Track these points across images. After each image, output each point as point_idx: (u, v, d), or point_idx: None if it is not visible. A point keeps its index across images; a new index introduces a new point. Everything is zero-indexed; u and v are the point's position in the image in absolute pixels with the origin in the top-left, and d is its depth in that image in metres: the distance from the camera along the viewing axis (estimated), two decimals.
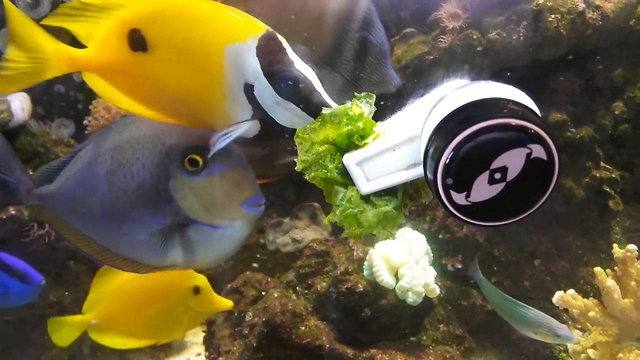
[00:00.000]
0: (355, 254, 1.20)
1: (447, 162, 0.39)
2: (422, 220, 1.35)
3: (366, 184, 0.50)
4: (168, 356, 1.51)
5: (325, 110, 0.53)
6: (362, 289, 1.13)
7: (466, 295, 1.29)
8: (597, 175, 1.28)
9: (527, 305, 1.01)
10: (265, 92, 0.59)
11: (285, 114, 0.59)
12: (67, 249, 1.28)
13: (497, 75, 1.28)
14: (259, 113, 0.61)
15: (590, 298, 1.04)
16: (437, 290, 1.12)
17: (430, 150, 0.41)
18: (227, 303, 0.93)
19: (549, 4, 1.22)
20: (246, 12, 0.61)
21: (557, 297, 1.04)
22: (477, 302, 1.28)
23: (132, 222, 0.68)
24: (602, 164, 1.30)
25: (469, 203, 0.40)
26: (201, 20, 0.60)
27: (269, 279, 1.28)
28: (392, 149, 0.48)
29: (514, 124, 0.38)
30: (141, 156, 0.67)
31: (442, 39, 1.30)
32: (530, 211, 0.41)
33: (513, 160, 0.38)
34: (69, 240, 0.73)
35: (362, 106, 0.52)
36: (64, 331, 0.92)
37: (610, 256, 1.06)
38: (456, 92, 0.43)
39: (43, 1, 1.32)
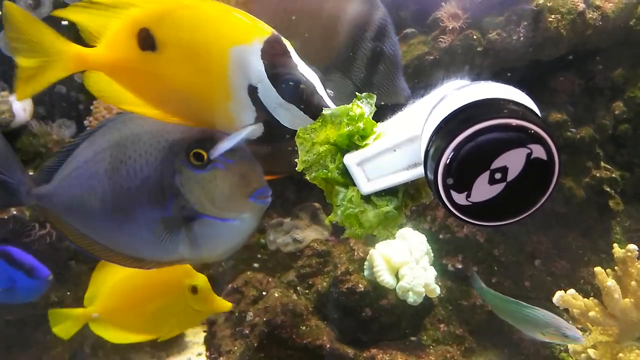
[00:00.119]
0: (355, 254, 1.20)
1: (448, 162, 0.39)
2: (423, 220, 1.35)
3: (367, 184, 0.50)
4: (169, 356, 1.51)
5: (326, 111, 0.53)
6: (362, 289, 1.13)
7: (466, 295, 1.29)
8: (597, 175, 1.28)
9: (532, 306, 1.00)
10: (268, 94, 0.59)
11: (288, 115, 0.60)
12: (69, 248, 1.28)
13: (497, 75, 1.28)
14: (263, 115, 0.61)
15: (591, 298, 1.04)
16: (438, 290, 1.12)
17: (431, 151, 0.41)
18: (225, 304, 0.93)
19: (549, 4, 1.22)
20: (261, 14, 0.61)
21: (558, 297, 1.04)
22: (477, 302, 1.28)
23: (137, 218, 0.68)
24: (602, 164, 1.30)
25: (470, 203, 0.40)
26: (208, 21, 0.61)
27: (270, 279, 1.28)
28: (393, 149, 0.48)
29: (514, 124, 0.38)
30: (144, 152, 0.67)
31: (442, 39, 1.30)
32: (531, 211, 0.41)
33: (513, 161, 0.38)
34: (71, 239, 0.73)
35: (363, 106, 0.52)
36: (65, 324, 0.93)
37: (611, 256, 1.06)
38: (456, 92, 0.43)
39: (44, 2, 1.32)
